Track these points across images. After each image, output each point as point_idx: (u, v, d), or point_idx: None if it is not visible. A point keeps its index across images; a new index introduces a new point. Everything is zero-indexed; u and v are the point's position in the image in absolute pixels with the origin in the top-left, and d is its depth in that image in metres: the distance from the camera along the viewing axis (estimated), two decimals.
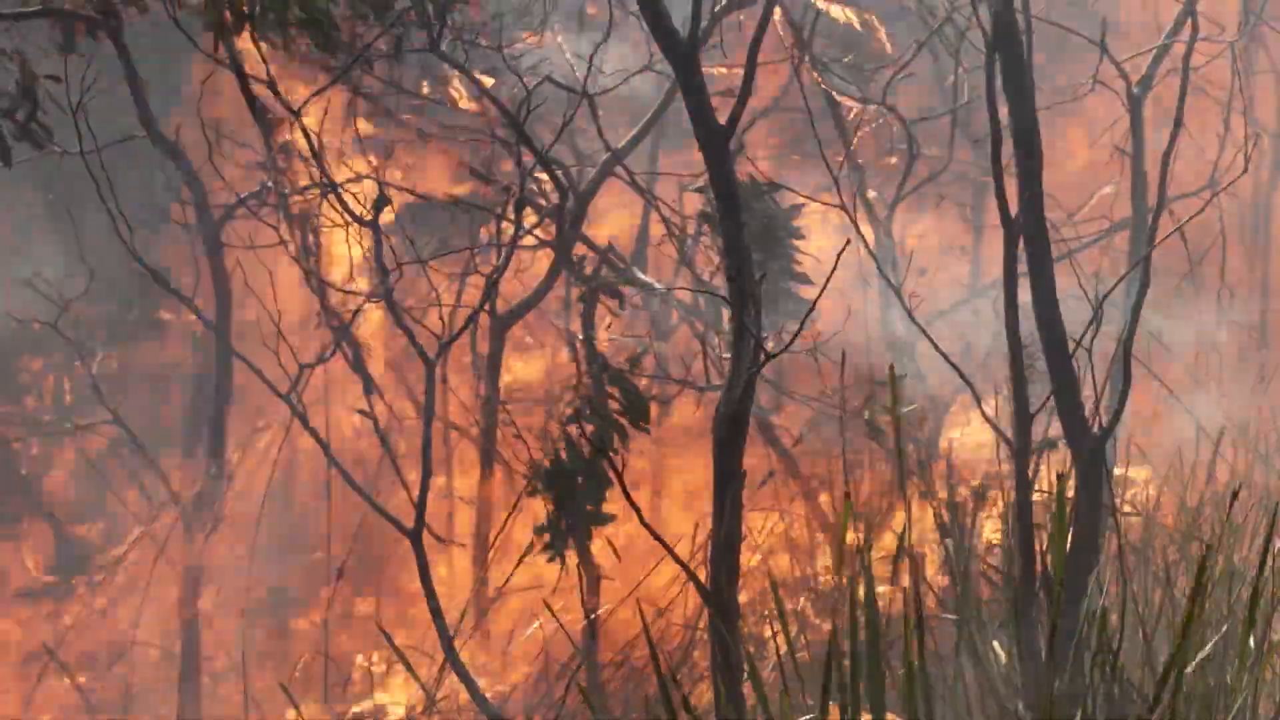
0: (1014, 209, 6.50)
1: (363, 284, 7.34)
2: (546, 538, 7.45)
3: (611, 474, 6.84)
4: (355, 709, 7.69)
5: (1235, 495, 5.51)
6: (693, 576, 6.60)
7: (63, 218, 7.62)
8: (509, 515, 8.49)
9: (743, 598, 6.63)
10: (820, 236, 8.11)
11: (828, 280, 6.03)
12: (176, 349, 8.88)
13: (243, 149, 7.30)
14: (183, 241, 7.38)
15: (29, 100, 6.54)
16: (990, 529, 7.70)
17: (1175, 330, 9.13)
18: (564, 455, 7.17)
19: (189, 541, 7.89)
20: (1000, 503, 7.69)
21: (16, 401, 8.79)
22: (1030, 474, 6.67)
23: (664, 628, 7.73)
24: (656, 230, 9.14)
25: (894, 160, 9.08)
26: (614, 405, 7.55)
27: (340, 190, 6.17)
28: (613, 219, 9.04)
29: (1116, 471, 7.54)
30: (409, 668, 6.71)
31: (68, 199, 7.44)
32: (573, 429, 7.21)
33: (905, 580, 6.81)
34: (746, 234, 5.93)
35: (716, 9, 8.13)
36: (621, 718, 7.66)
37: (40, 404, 8.76)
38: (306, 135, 5.99)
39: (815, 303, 6.28)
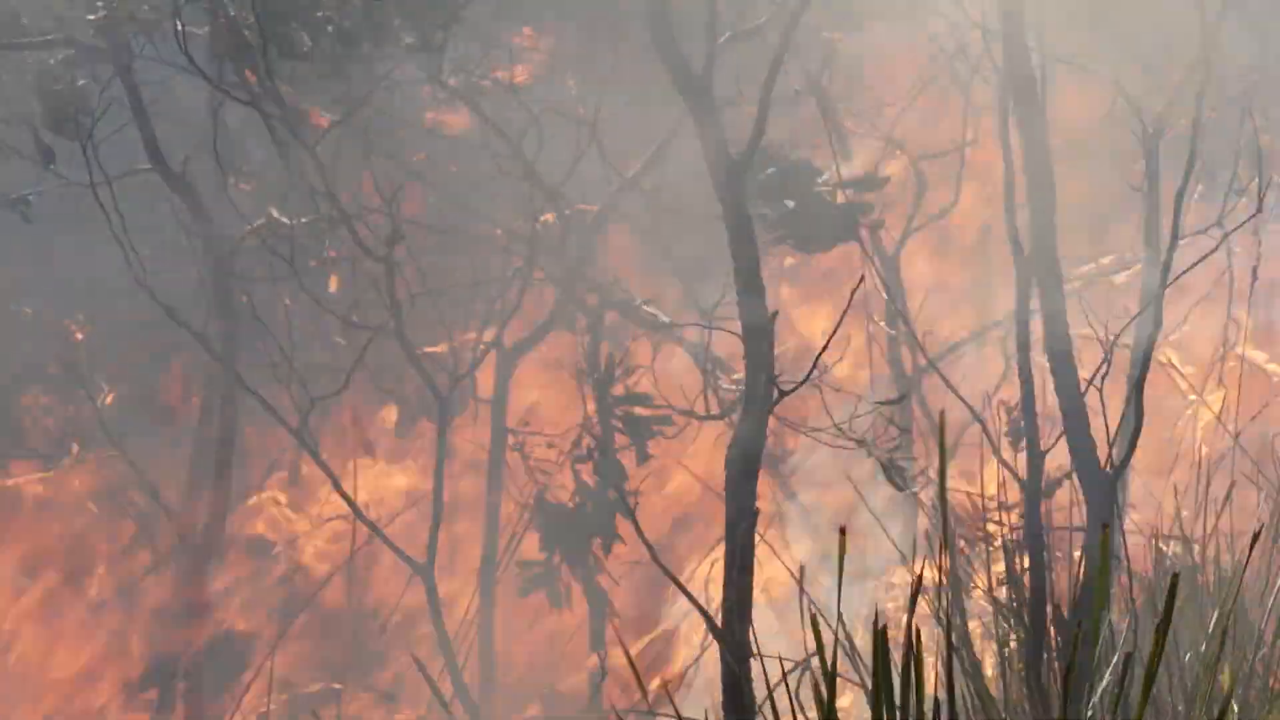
0: (1026, 246, 6.48)
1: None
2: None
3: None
4: None
5: (1256, 537, 5.37)
6: (704, 613, 6.54)
7: (68, 250, 7.58)
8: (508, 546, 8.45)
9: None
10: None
11: (840, 322, 6.00)
12: (184, 383, 8.82)
13: (253, 180, 7.27)
14: (191, 273, 7.34)
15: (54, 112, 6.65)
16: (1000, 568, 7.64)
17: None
18: (572, 493, 7.12)
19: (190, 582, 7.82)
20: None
21: (20, 436, 8.72)
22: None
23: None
24: None
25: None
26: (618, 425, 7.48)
27: (352, 222, 6.13)
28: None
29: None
30: None
31: (75, 231, 7.41)
32: (581, 466, 7.15)
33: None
34: (762, 271, 5.88)
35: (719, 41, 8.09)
36: None
37: (44, 439, 8.69)
38: (319, 168, 5.95)
39: (826, 347, 6.23)
